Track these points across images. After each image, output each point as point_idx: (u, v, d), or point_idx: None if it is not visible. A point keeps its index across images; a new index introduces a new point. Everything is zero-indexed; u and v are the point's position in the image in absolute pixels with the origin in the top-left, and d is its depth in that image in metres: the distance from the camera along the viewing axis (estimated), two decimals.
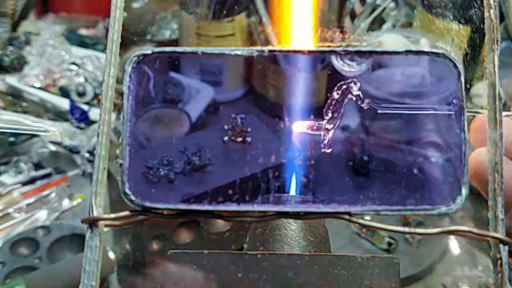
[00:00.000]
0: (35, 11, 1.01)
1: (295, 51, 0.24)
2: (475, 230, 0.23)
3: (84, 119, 0.78)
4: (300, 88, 0.25)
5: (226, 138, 0.25)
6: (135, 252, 0.46)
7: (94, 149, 0.55)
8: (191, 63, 0.25)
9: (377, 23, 0.65)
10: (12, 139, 0.75)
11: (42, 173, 0.71)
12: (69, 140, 0.75)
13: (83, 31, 1.00)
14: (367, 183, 0.24)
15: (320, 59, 0.24)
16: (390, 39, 0.54)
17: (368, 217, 0.32)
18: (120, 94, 0.24)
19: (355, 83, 0.24)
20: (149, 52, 0.24)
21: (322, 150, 0.25)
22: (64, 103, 0.81)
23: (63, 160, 0.74)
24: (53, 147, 0.74)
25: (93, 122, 0.78)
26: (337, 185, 0.24)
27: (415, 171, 0.24)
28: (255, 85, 0.25)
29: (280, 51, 0.24)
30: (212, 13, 0.62)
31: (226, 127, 0.25)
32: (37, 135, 0.75)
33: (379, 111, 0.24)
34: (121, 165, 0.23)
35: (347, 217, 0.23)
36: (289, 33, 0.27)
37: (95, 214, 0.23)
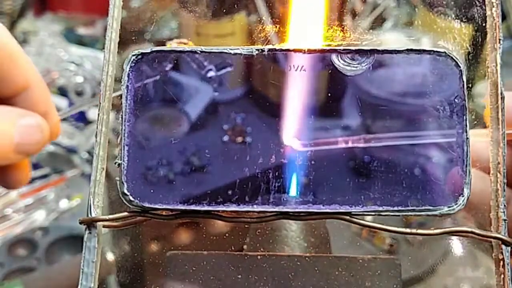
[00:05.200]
0: (33, 10, 1.00)
1: (295, 50, 0.24)
2: (477, 231, 0.23)
3: (82, 119, 0.78)
4: (300, 87, 0.24)
5: (225, 138, 0.24)
6: (134, 253, 0.45)
7: (92, 149, 0.54)
8: (190, 62, 0.24)
9: (378, 22, 0.65)
10: None
11: (40, 173, 0.71)
12: (67, 140, 0.74)
13: (81, 30, 0.99)
14: (368, 183, 0.24)
15: (320, 58, 0.24)
16: (391, 38, 0.54)
17: (369, 218, 0.32)
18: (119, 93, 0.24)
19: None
20: (148, 51, 0.23)
21: (323, 150, 0.24)
22: (62, 103, 0.81)
23: (61, 160, 0.74)
24: (51, 147, 0.74)
25: (91, 122, 0.78)
26: (338, 186, 0.24)
27: (417, 171, 0.24)
28: (255, 85, 0.25)
29: (280, 50, 0.24)
30: (212, 12, 0.62)
31: (225, 127, 0.24)
32: None
33: (380, 111, 0.24)
34: (119, 165, 0.23)
35: (347, 217, 0.23)
36: (290, 32, 0.27)
37: (93, 215, 0.23)
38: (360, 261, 0.25)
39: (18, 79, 0.28)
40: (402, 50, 0.23)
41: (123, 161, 0.23)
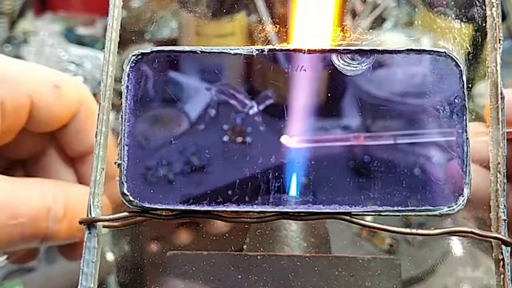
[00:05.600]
0: (33, 10, 1.00)
1: (295, 50, 0.24)
2: (477, 231, 0.23)
3: None
4: (300, 87, 0.24)
5: (225, 138, 0.24)
6: (134, 253, 0.46)
7: None
8: (190, 62, 0.24)
9: (378, 22, 0.65)
10: None
11: None
12: None
13: (81, 30, 0.99)
14: (368, 183, 0.24)
15: (320, 58, 0.24)
16: (391, 38, 0.54)
17: (369, 218, 0.32)
18: (119, 93, 0.24)
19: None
20: (148, 51, 0.23)
21: (323, 150, 0.24)
22: None
23: None
24: None
25: None
26: (338, 186, 0.24)
27: (417, 171, 0.24)
28: (255, 85, 0.25)
29: (280, 50, 0.24)
30: (212, 12, 0.62)
31: (225, 127, 0.24)
32: None
33: (380, 111, 0.24)
34: (119, 165, 0.23)
35: (347, 217, 0.23)
36: (290, 32, 0.27)
37: (93, 215, 0.23)
38: (360, 261, 0.25)
39: (90, 140, 0.28)
40: (402, 50, 0.23)
41: (123, 161, 0.23)
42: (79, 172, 0.31)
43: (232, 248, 0.32)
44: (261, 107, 0.25)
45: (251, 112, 0.25)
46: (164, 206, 0.23)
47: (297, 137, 0.24)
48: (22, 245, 0.26)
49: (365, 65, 0.24)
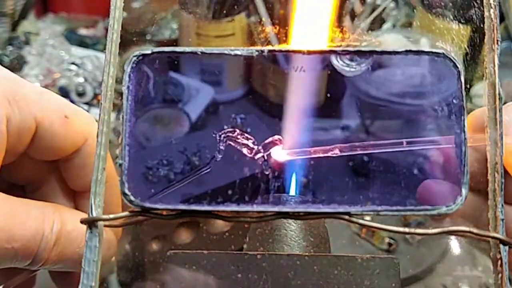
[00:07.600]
0: (35, 11, 1.01)
1: (294, 51, 0.24)
2: (475, 230, 0.23)
3: None
4: (300, 88, 0.24)
5: (225, 139, 0.25)
6: (134, 252, 0.46)
7: None
8: (191, 63, 0.25)
9: (377, 23, 0.65)
10: None
11: None
12: None
13: (82, 31, 1.00)
14: (367, 183, 0.24)
15: (320, 59, 0.24)
16: (390, 39, 0.55)
17: (368, 217, 0.32)
18: (120, 94, 0.24)
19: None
20: (149, 52, 0.24)
21: (322, 150, 0.25)
22: None
23: None
24: None
25: None
26: (337, 185, 0.24)
27: (415, 171, 0.24)
28: (255, 85, 0.25)
29: (280, 51, 0.24)
30: (212, 13, 0.62)
31: (226, 127, 0.25)
32: None
33: (379, 111, 0.24)
34: (120, 165, 0.23)
35: (346, 217, 0.23)
36: (289, 33, 0.27)
37: (94, 214, 0.23)
38: (359, 260, 0.25)
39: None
40: (401, 51, 0.23)
41: (124, 161, 0.23)
42: (78, 205, 0.30)
43: (232, 247, 0.32)
44: (261, 109, 0.25)
45: (251, 113, 0.25)
46: (164, 206, 0.23)
47: (296, 138, 0.25)
48: (5, 266, 0.26)
49: (364, 66, 0.24)
